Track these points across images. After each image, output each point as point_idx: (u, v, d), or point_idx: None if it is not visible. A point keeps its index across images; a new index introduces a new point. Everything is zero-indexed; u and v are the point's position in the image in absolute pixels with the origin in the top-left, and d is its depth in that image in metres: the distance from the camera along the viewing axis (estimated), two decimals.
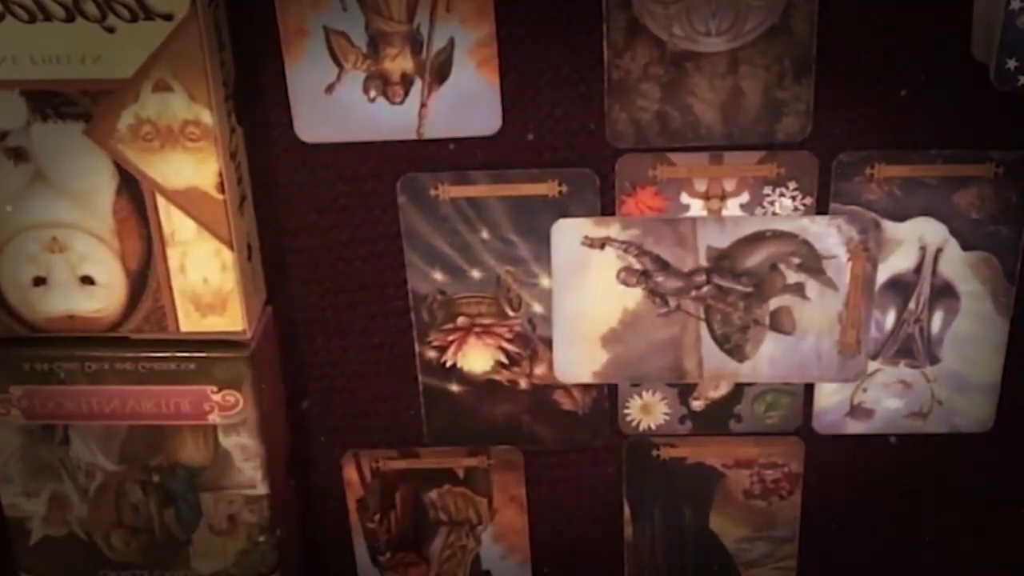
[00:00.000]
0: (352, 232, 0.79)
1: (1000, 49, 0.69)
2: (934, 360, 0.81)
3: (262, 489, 0.82)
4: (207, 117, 0.71)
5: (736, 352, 0.81)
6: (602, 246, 0.78)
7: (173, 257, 0.75)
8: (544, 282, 0.80)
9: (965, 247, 0.78)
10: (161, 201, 0.74)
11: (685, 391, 0.83)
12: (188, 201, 0.74)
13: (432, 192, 0.77)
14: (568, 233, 0.78)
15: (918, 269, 0.79)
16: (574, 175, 0.77)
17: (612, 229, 0.78)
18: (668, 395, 0.83)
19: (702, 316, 0.80)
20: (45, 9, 0.69)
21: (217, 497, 0.83)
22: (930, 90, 0.74)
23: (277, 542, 0.84)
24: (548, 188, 0.77)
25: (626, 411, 0.84)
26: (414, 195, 0.78)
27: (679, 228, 0.78)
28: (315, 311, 0.82)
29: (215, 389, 0.78)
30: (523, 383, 0.83)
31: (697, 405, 0.84)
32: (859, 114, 0.75)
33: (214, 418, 0.79)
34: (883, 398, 0.83)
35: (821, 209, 0.77)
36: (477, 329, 0.81)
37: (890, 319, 0.80)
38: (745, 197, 0.77)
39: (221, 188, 0.73)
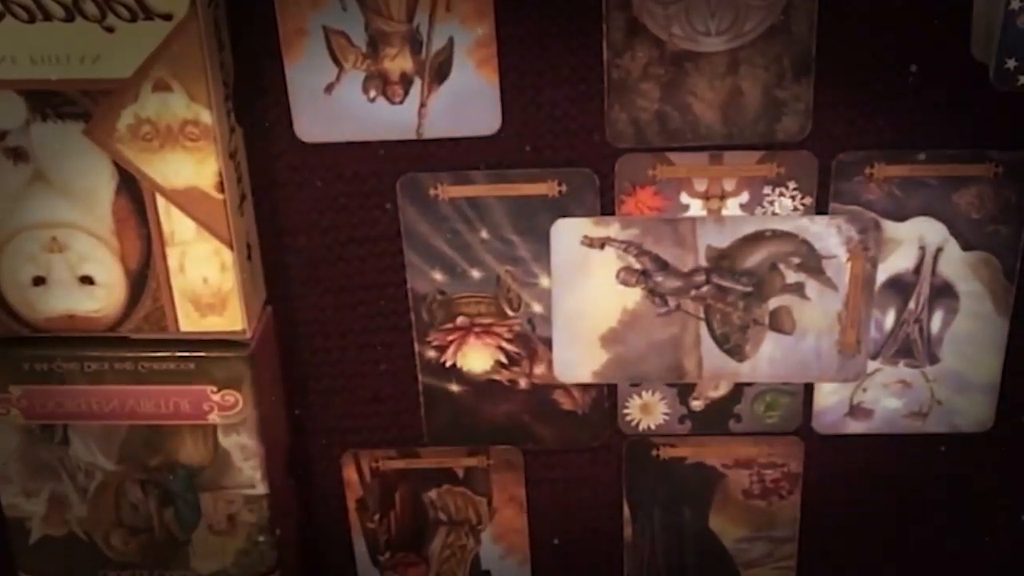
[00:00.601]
0: (352, 232, 0.79)
1: (1000, 49, 0.69)
2: (934, 360, 0.81)
3: (262, 489, 0.82)
4: (207, 117, 0.71)
5: (736, 352, 0.81)
6: (602, 246, 0.78)
7: (173, 257, 0.75)
8: (544, 282, 0.80)
9: (965, 247, 0.78)
10: (161, 201, 0.74)
11: (685, 391, 0.83)
12: (188, 201, 0.74)
13: (432, 192, 0.77)
14: (568, 233, 0.78)
15: (918, 269, 0.79)
16: (574, 175, 0.77)
17: (612, 229, 0.78)
18: (668, 395, 0.83)
19: (702, 316, 0.80)
20: (45, 9, 0.69)
21: (217, 497, 0.83)
22: (930, 90, 0.74)
23: (276, 542, 0.84)
24: (548, 188, 0.77)
25: (626, 411, 0.84)
26: (414, 195, 0.78)
27: (679, 228, 0.78)
28: (315, 311, 0.82)
29: (215, 389, 0.78)
30: (523, 383, 0.83)
31: (697, 405, 0.84)
32: (859, 114, 0.75)
33: (214, 418, 0.79)
34: (883, 398, 0.83)
35: (821, 209, 0.77)
36: (477, 329, 0.81)
37: (890, 319, 0.80)
38: (745, 197, 0.77)
39: (221, 188, 0.73)
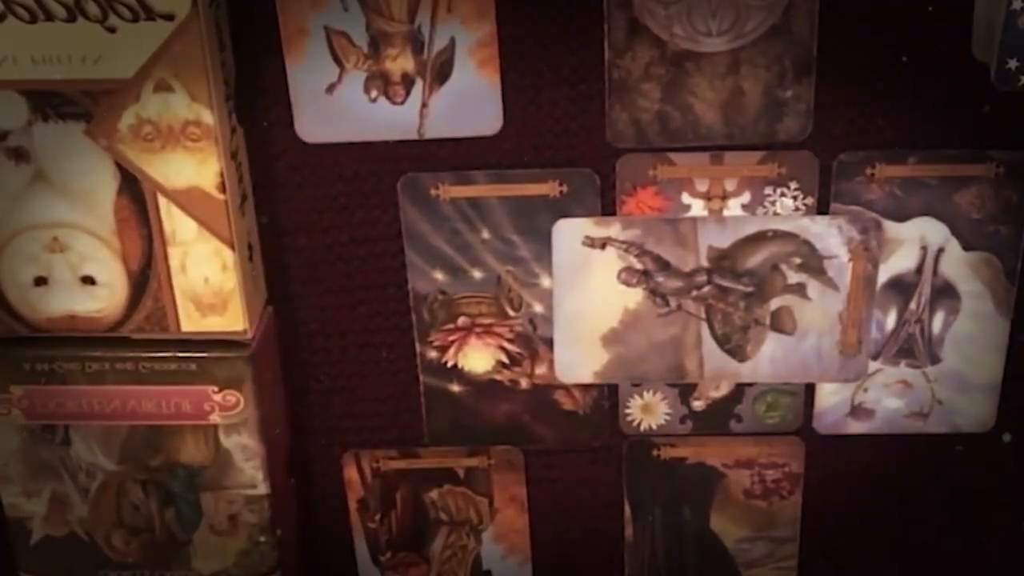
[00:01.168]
0: (353, 232, 0.79)
1: (1001, 49, 0.69)
2: (935, 360, 0.81)
3: (263, 489, 0.82)
4: (208, 117, 0.71)
5: (737, 352, 0.81)
6: (603, 246, 0.78)
7: (174, 257, 0.75)
8: (545, 282, 0.80)
9: (966, 247, 0.78)
10: (162, 201, 0.74)
11: (686, 391, 0.83)
12: (189, 201, 0.74)
13: (433, 192, 0.77)
14: (569, 233, 0.78)
15: (919, 269, 0.79)
16: (575, 175, 0.77)
17: (613, 229, 0.78)
18: (669, 395, 0.83)
19: (703, 316, 0.80)
20: (46, 9, 0.69)
21: (218, 497, 0.83)
22: (930, 90, 0.74)
23: (277, 542, 0.84)
24: (549, 188, 0.77)
25: (627, 411, 0.84)
26: (415, 195, 0.78)
27: (680, 228, 0.78)
28: (316, 311, 0.82)
29: (216, 389, 0.78)
30: (524, 383, 0.83)
31: (698, 405, 0.84)
32: (859, 114, 0.75)
33: (215, 418, 0.79)
34: (884, 398, 0.83)
35: (822, 209, 0.77)
36: (478, 329, 0.81)
37: (891, 319, 0.80)
38: (746, 197, 0.77)
39: (222, 188, 0.73)
